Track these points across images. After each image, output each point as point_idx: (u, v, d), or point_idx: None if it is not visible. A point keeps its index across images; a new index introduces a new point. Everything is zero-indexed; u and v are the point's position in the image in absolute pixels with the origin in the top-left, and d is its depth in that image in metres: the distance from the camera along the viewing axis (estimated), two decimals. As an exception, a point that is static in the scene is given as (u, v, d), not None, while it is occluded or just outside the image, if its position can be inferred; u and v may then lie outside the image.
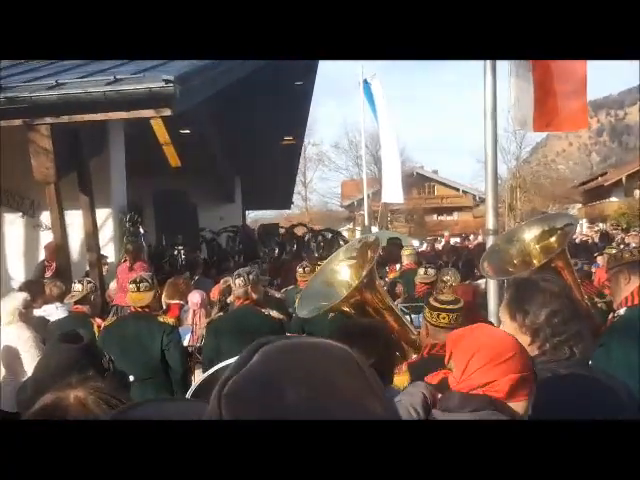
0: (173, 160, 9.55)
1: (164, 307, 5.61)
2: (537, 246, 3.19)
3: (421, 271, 5.71)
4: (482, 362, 1.30)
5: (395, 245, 9.06)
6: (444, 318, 2.62)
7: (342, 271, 3.02)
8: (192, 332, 5.02)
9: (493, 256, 3.21)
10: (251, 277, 3.96)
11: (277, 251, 12.16)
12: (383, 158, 14.02)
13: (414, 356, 2.74)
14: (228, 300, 5.45)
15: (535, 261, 3.12)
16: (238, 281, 3.93)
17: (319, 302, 2.93)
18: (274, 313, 3.94)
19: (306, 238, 14.22)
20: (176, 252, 9.26)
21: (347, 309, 2.83)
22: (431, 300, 2.70)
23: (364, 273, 2.84)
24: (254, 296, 3.99)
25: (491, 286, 3.87)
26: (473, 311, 4.18)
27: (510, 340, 1.34)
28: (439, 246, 17.78)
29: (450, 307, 2.64)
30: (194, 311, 5.25)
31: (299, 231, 14.44)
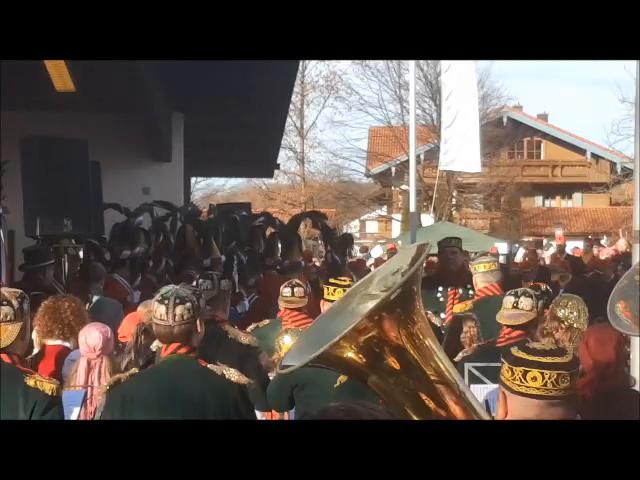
0: (60, 80, 9.55)
1: (35, 350, 5.63)
2: None
3: (508, 301, 5.67)
4: None
5: (451, 253, 8.98)
6: (535, 379, 2.65)
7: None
8: (84, 400, 5.04)
9: (633, 293, 3.21)
10: (195, 303, 3.98)
11: (246, 257, 12.17)
12: (444, 88, 13.98)
13: None
14: (153, 345, 5.47)
15: None
16: (182, 310, 3.93)
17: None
18: (232, 373, 3.94)
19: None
20: (62, 250, 9.25)
21: (353, 357, 2.84)
22: (514, 350, 2.74)
23: (397, 283, 2.87)
24: (197, 340, 4.00)
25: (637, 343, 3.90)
26: (616, 380, 4.20)
27: None
28: (547, 255, 17.84)
29: (548, 361, 2.66)
30: (89, 363, 5.26)
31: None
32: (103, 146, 12.43)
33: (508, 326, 5.54)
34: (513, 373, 2.69)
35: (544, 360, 2.66)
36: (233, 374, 3.96)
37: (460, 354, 5.63)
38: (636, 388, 4.66)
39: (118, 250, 10.33)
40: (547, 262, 16.25)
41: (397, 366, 2.85)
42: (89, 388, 5.17)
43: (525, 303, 5.54)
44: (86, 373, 5.23)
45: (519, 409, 2.69)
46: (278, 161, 23.74)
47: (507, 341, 5.45)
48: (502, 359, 2.79)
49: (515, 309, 5.53)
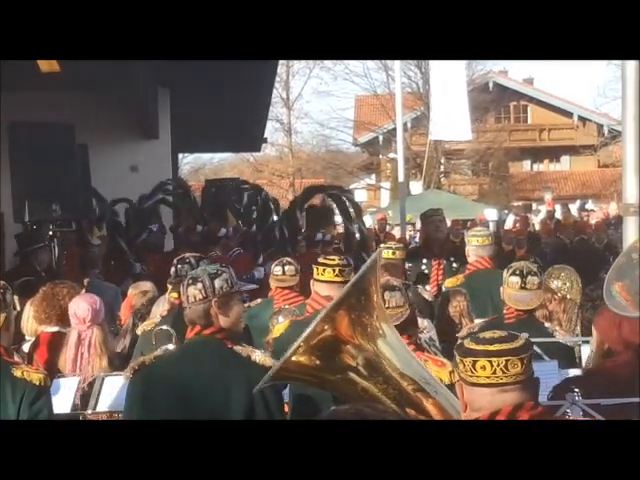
0: (45, 61, 9.47)
1: (29, 338, 5.61)
2: None
3: (514, 282, 5.32)
4: None
5: (439, 221, 8.89)
6: (484, 368, 2.69)
7: None
8: (78, 386, 5.02)
9: (631, 272, 3.19)
10: (217, 284, 3.94)
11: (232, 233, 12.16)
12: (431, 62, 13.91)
13: None
14: (138, 329, 5.46)
15: None
16: (193, 290, 3.96)
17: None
18: (257, 355, 3.94)
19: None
20: (50, 234, 9.23)
21: (308, 361, 3.11)
22: (465, 342, 2.77)
23: (353, 280, 3.13)
24: (224, 322, 3.97)
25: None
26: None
27: None
28: (536, 220, 17.86)
29: (495, 348, 2.69)
30: (80, 334, 5.23)
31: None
32: (89, 126, 12.34)
33: (519, 310, 5.31)
34: (464, 365, 2.72)
35: (491, 348, 2.69)
36: (259, 356, 3.96)
37: (465, 330, 5.53)
38: None
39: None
40: (537, 228, 16.29)
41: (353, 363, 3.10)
42: (79, 361, 5.18)
43: (532, 282, 5.32)
44: (76, 345, 5.22)
45: (474, 399, 2.73)
46: (265, 133, 23.62)
47: (517, 318, 5.27)
48: (454, 352, 2.83)
49: (523, 290, 5.31)
